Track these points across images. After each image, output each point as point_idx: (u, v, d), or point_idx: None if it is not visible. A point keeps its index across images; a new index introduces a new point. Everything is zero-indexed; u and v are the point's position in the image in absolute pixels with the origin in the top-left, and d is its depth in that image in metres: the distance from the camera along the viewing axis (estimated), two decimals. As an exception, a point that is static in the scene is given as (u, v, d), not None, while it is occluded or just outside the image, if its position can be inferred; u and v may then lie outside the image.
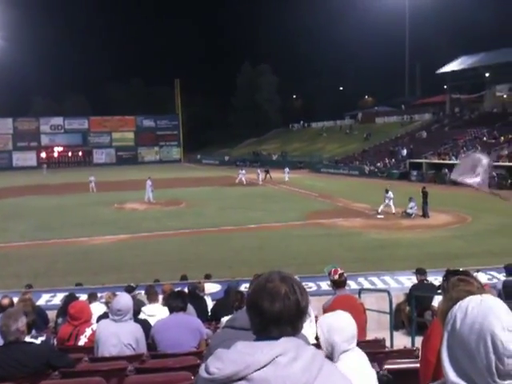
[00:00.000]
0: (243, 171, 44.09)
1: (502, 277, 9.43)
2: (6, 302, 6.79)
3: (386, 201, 24.87)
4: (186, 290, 8.25)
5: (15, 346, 4.02)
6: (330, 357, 2.82)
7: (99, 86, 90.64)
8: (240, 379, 1.45)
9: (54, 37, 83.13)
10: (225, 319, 5.01)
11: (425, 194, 24.18)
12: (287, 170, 46.32)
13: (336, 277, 5.81)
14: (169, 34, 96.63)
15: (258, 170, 45.04)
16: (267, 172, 45.94)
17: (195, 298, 8.01)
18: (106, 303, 7.00)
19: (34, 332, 5.10)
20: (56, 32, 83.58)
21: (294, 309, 1.56)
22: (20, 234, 21.75)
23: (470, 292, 1.76)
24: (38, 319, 6.10)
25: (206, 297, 8.91)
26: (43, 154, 72.33)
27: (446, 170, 39.77)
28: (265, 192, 36.36)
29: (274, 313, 1.54)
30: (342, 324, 2.87)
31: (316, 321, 4.92)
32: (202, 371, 1.52)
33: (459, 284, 2.63)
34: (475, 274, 8.11)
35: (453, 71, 56.71)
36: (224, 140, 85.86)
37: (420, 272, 9.46)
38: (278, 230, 22.15)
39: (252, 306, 1.60)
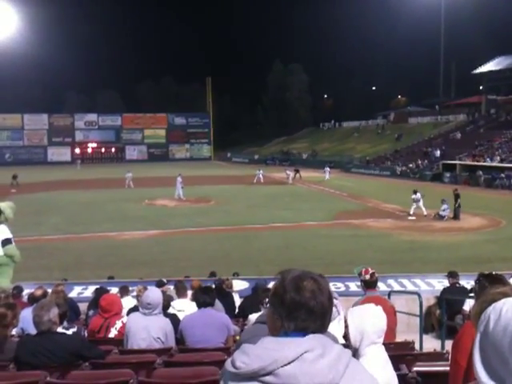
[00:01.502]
0: (261, 171, 43.68)
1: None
2: (39, 292, 6.96)
3: (414, 203, 24.55)
4: (213, 286, 8.31)
5: (47, 336, 4.11)
6: (357, 347, 2.80)
7: (131, 84, 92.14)
8: (266, 374, 1.45)
9: (89, 34, 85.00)
10: (252, 316, 5.02)
11: (457, 196, 23.74)
12: (328, 169, 45.72)
13: (367, 277, 5.74)
14: (200, 32, 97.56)
15: (287, 170, 44.84)
16: (297, 171, 45.76)
17: (222, 294, 8.05)
18: (137, 296, 7.10)
19: (65, 323, 5.20)
20: (90, 30, 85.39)
21: (326, 305, 1.59)
22: (52, 228, 22.21)
23: (505, 294, 1.72)
24: (69, 311, 6.23)
25: (233, 293, 8.94)
26: (77, 150, 73.86)
27: (481, 172, 38.98)
28: (294, 191, 36.26)
29: (318, 308, 1.57)
30: (374, 315, 2.87)
31: (345, 320, 4.88)
32: (228, 365, 1.53)
33: (494, 286, 2.58)
34: (511, 280, 7.92)
35: (489, 72, 55.46)
36: (254, 138, 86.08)
37: (452, 275, 9.30)
38: (306, 229, 22.06)
39: (294, 303, 1.61)
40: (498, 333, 1.32)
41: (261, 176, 42.72)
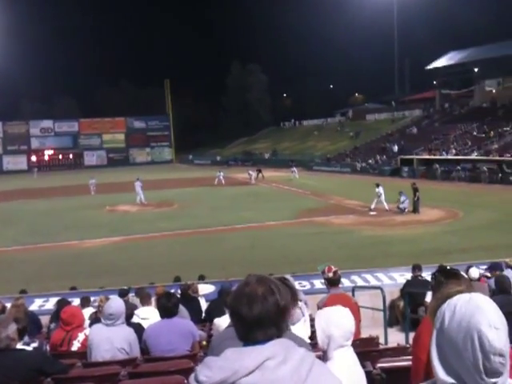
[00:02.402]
0: (221, 173, 43.15)
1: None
2: (-3, 307, 6.74)
3: (378, 197, 24.95)
4: (178, 291, 8.23)
5: (6, 354, 3.97)
6: (325, 350, 2.80)
7: (89, 89, 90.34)
8: None
9: (43, 40, 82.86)
10: (217, 320, 4.99)
11: (415, 190, 24.24)
12: (294, 168, 44.96)
13: (330, 274, 5.79)
14: (158, 34, 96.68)
15: (250, 171, 44.83)
16: (259, 171, 45.87)
17: (188, 299, 7.98)
18: (98, 307, 6.95)
19: (26, 338, 5.05)
20: (44, 35, 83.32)
21: (274, 309, 1.54)
22: (11, 239, 21.57)
23: (460, 290, 1.76)
24: (30, 325, 6.05)
25: (199, 298, 8.88)
26: (34, 158, 72.03)
27: (437, 166, 40.00)
28: (257, 191, 36.33)
29: (253, 316, 1.53)
30: (341, 318, 2.85)
31: (310, 320, 4.91)
32: (192, 380, 1.51)
33: (449, 282, 2.64)
34: (470, 270, 8.15)
35: (442, 67, 56.92)
36: (215, 140, 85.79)
37: (415, 268, 9.51)
38: (271, 229, 22.15)
39: (232, 312, 1.59)
40: (452, 329, 1.35)
41: (221, 177, 42.36)
